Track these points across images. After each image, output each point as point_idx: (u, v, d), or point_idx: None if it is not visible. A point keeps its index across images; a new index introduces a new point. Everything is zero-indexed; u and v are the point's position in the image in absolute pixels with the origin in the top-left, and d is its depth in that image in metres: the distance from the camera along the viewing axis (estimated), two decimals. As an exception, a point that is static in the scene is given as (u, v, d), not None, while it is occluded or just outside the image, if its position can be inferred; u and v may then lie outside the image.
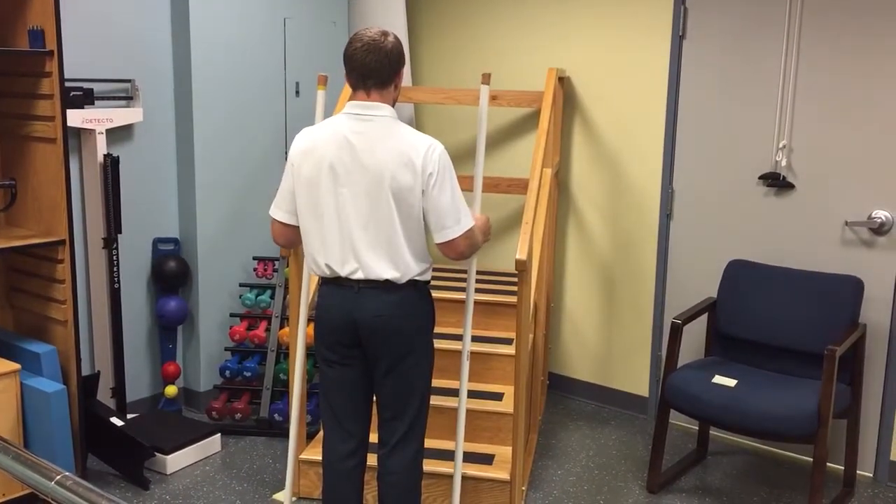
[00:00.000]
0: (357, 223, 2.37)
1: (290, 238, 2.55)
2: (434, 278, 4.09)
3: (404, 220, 2.37)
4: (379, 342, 2.45)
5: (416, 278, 2.44)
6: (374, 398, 2.60)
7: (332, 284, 2.46)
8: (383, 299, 2.41)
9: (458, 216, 2.40)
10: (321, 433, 3.34)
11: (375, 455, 2.68)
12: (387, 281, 2.40)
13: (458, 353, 3.53)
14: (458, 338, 3.65)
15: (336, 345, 2.49)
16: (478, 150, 2.80)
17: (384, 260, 2.39)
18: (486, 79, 2.79)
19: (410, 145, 2.36)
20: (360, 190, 2.36)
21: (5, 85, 3.26)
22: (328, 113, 4.26)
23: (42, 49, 3.05)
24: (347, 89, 3.58)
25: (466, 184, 3.98)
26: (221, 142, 3.98)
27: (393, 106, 2.46)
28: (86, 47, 3.58)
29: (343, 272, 2.41)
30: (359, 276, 2.40)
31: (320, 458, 3.22)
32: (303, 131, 2.49)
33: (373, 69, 2.38)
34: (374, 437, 2.74)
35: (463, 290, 3.84)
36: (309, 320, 3.28)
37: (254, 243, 4.18)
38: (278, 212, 2.51)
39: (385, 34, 2.41)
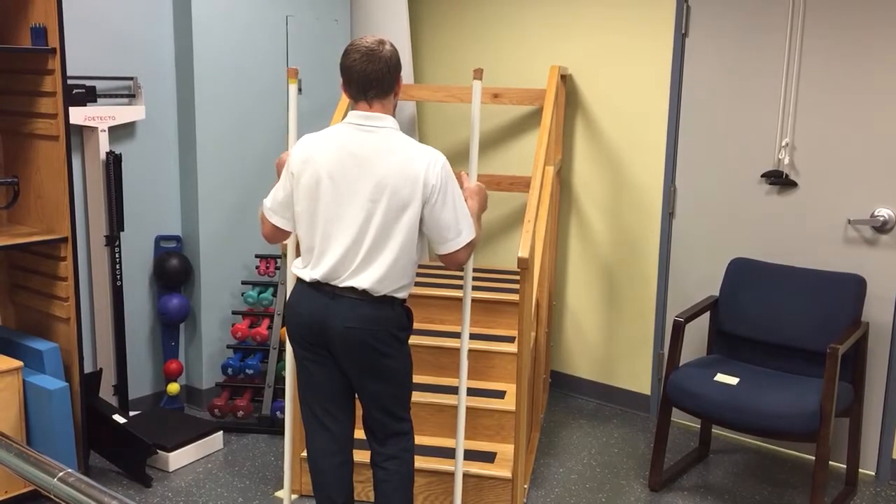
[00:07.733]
0: (350, 233, 2.36)
1: (281, 238, 2.59)
2: (432, 275, 4.09)
3: (398, 234, 2.35)
4: (348, 353, 2.42)
5: (394, 294, 2.41)
6: (356, 394, 2.57)
7: (308, 286, 2.45)
8: (356, 310, 2.38)
9: (459, 229, 2.40)
10: None
11: (361, 448, 2.66)
12: (364, 291, 2.37)
13: (458, 350, 3.52)
14: (458, 335, 3.64)
15: (307, 343, 2.47)
16: (471, 150, 2.78)
17: (367, 270, 2.36)
18: (478, 74, 2.75)
19: (412, 158, 2.34)
20: (357, 201, 2.35)
21: (8, 82, 3.27)
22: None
23: (44, 47, 3.05)
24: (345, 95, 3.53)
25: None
26: (224, 139, 3.98)
27: (394, 112, 2.45)
28: (88, 45, 3.58)
29: (325, 279, 2.40)
30: (337, 283, 2.39)
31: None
32: (303, 139, 2.47)
33: (373, 80, 2.36)
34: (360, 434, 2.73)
35: (461, 287, 3.83)
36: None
37: (256, 241, 4.17)
38: (274, 216, 2.51)
39: (382, 42, 2.38)
